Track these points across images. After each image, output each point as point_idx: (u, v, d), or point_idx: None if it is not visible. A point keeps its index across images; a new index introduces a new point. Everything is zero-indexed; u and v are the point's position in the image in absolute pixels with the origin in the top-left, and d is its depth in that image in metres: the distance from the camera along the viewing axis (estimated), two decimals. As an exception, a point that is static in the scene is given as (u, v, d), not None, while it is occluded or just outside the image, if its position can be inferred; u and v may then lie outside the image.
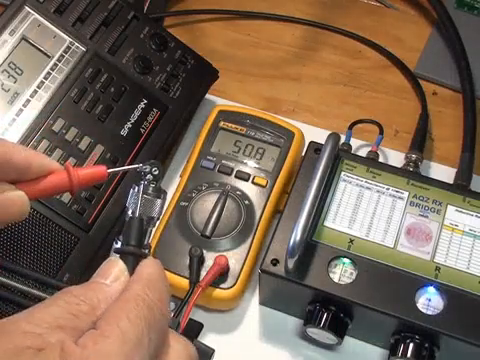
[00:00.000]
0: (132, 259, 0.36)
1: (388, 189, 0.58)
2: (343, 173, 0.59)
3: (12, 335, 0.29)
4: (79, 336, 0.30)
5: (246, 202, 0.60)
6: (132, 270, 0.35)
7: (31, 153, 0.39)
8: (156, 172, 0.39)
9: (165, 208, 0.59)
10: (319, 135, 0.61)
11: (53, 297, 0.32)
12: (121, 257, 0.35)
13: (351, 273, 0.54)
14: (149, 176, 0.38)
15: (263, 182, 0.61)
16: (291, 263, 0.53)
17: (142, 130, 0.62)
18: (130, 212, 0.38)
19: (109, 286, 0.34)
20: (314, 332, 0.54)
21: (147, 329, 0.32)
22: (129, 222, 0.38)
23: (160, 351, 0.33)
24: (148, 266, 0.35)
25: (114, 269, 0.35)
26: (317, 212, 0.55)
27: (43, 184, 0.39)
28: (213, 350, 0.46)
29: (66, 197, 0.56)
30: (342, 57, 0.75)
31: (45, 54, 0.59)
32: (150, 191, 0.38)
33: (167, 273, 0.56)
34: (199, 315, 0.57)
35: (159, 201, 0.38)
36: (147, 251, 0.37)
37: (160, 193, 0.38)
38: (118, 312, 0.32)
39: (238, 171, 0.62)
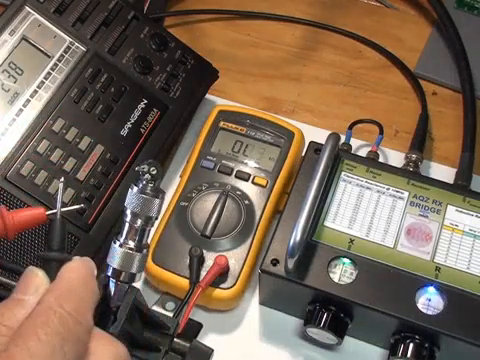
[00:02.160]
0: (55, 265, 0.34)
1: (388, 189, 0.58)
2: (343, 173, 0.59)
3: None
4: None
5: (246, 202, 0.60)
6: (55, 277, 0.33)
7: None
8: (154, 172, 0.38)
9: (165, 208, 0.60)
10: (319, 135, 0.61)
11: None
12: (44, 264, 0.34)
13: (351, 273, 0.54)
14: (147, 176, 0.38)
15: (263, 182, 0.61)
16: (291, 263, 0.53)
17: (142, 130, 0.61)
18: (128, 212, 0.38)
19: (28, 301, 0.32)
20: (314, 332, 0.54)
21: (60, 343, 0.30)
22: (50, 226, 0.36)
23: None
24: (69, 271, 0.33)
25: (33, 281, 0.33)
26: (317, 212, 0.55)
27: None
28: (212, 350, 0.46)
29: (66, 197, 0.56)
30: (342, 57, 0.75)
31: (45, 54, 0.59)
32: (148, 190, 0.38)
33: (167, 273, 0.57)
34: (199, 315, 0.57)
35: (157, 201, 0.38)
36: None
37: (158, 193, 0.38)
38: (27, 331, 0.30)
39: (238, 171, 0.62)
